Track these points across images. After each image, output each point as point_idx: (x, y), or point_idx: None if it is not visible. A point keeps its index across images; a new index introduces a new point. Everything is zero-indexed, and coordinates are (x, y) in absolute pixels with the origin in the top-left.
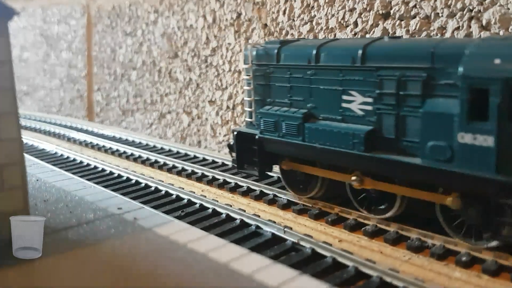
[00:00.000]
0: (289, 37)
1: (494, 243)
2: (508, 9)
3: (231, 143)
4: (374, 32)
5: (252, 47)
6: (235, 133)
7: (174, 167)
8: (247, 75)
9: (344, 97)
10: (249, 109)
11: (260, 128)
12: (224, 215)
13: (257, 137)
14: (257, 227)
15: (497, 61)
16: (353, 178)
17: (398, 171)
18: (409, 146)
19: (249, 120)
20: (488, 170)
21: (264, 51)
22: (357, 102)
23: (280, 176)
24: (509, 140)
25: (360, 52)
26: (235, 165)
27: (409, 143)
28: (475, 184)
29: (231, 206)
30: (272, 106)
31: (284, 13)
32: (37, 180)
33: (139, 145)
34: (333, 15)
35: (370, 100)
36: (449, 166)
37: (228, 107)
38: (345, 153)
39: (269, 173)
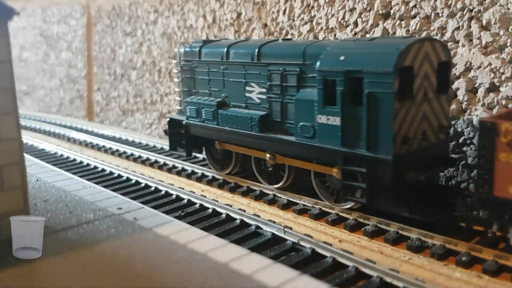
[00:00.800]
0: (289, 37)
1: (349, 205)
2: (508, 9)
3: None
4: (374, 32)
5: (181, 46)
6: (168, 119)
7: (174, 167)
8: (177, 69)
9: (247, 88)
10: (178, 99)
11: (186, 115)
12: (224, 215)
13: (184, 122)
14: (257, 227)
15: (342, 57)
16: (268, 155)
17: (283, 148)
18: (289, 127)
19: (179, 108)
20: (336, 144)
21: (189, 49)
22: (255, 92)
23: (205, 156)
24: (349, 120)
25: (256, 51)
26: (170, 147)
27: (289, 124)
28: (329, 155)
29: (231, 206)
30: (196, 95)
31: (284, 13)
32: (37, 180)
33: (139, 145)
34: (333, 15)
35: (264, 90)
36: (312, 141)
37: None
38: (247, 133)
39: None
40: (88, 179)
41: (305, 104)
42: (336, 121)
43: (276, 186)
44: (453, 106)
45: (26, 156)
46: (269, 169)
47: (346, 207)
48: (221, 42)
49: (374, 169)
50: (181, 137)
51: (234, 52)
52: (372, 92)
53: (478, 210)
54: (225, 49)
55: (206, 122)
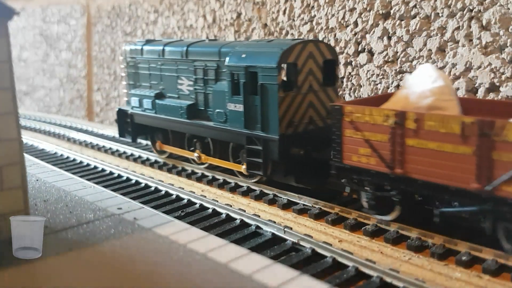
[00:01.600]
0: (289, 37)
1: (255, 179)
2: (508, 9)
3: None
4: (374, 32)
5: (127, 44)
6: (117, 110)
7: (174, 167)
8: (123, 65)
9: (178, 81)
10: (125, 91)
11: (131, 105)
12: (224, 215)
13: (129, 112)
14: (257, 227)
15: (243, 55)
16: (195, 155)
17: (207, 132)
18: (209, 114)
19: (126, 99)
20: (241, 127)
21: (134, 47)
22: (185, 85)
23: (149, 142)
24: (249, 106)
25: (185, 49)
26: (119, 134)
27: (210, 111)
28: (237, 136)
29: (231, 206)
30: (139, 88)
31: (284, 13)
32: (37, 180)
33: (139, 145)
34: (333, 15)
35: (191, 83)
36: (225, 125)
37: None
38: (178, 120)
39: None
40: (88, 179)
41: (220, 94)
42: (240, 108)
43: (204, 166)
44: None
45: (26, 156)
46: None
47: (252, 181)
48: (159, 41)
49: (267, 147)
50: (127, 125)
51: (169, 50)
52: (263, 83)
53: (337, 176)
54: (162, 47)
55: (147, 111)
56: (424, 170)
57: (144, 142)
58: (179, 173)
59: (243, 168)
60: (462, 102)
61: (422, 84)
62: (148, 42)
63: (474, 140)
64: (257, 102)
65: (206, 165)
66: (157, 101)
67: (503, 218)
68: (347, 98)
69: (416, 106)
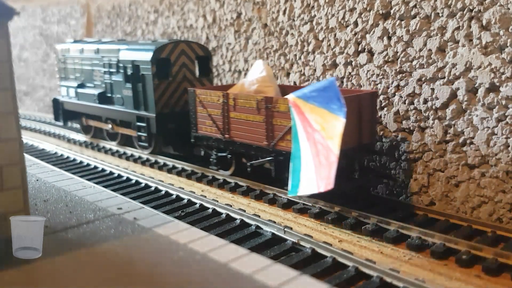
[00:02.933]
0: (289, 37)
1: (148, 150)
2: (508, 9)
3: None
4: (374, 32)
5: (58, 44)
6: (52, 99)
7: (174, 167)
8: (56, 61)
9: (93, 73)
10: (58, 83)
11: (62, 95)
12: (224, 215)
13: (60, 100)
14: (257, 227)
15: (131, 52)
16: (108, 125)
17: (112, 113)
18: (113, 99)
19: (59, 90)
20: (131, 108)
21: (63, 46)
22: (98, 76)
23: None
24: (136, 92)
25: (97, 47)
26: (54, 119)
27: (113, 97)
28: (131, 116)
29: (231, 206)
30: (67, 80)
31: (284, 13)
32: (37, 180)
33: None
34: (333, 15)
35: (101, 74)
36: (122, 108)
37: None
38: (93, 105)
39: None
40: (88, 179)
41: (118, 83)
42: (130, 93)
43: (116, 142)
44: (454, 106)
45: (27, 156)
46: (111, 131)
47: (146, 152)
48: (82, 41)
49: (148, 123)
50: (60, 111)
51: (87, 48)
52: (143, 74)
53: (195, 144)
54: (82, 46)
55: (72, 99)
56: (240, 134)
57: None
58: (179, 173)
59: (137, 133)
60: (281, 87)
61: (253, 75)
62: (74, 42)
63: (263, 111)
64: (140, 88)
65: (117, 140)
66: (78, 90)
67: (278, 163)
68: None
69: (248, 91)
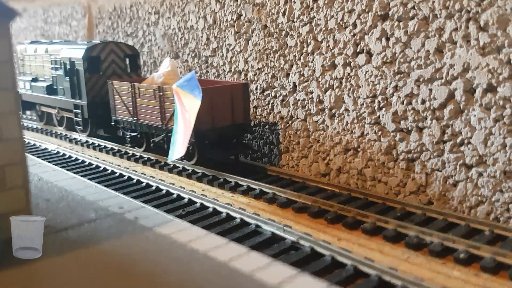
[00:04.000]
0: (288, 38)
1: (85, 134)
2: (506, 10)
3: None
4: (372, 33)
5: (18, 44)
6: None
7: (175, 166)
8: (16, 59)
9: (44, 70)
10: (18, 78)
11: (20, 88)
12: (224, 214)
13: (19, 92)
14: (257, 226)
15: (69, 51)
16: (56, 111)
17: (57, 102)
18: (57, 90)
19: (18, 84)
20: (69, 97)
21: (22, 46)
22: (47, 71)
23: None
24: (73, 84)
25: (47, 47)
26: None
27: (57, 89)
28: (70, 104)
29: (231, 205)
30: (25, 75)
31: (283, 14)
32: (39, 179)
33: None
34: (332, 16)
35: (50, 70)
36: (64, 97)
37: None
38: (43, 96)
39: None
40: (90, 179)
41: (60, 77)
42: (68, 85)
43: (63, 127)
44: (451, 107)
45: (29, 156)
46: (58, 118)
47: (83, 135)
48: (37, 42)
49: (82, 109)
50: (20, 102)
51: (39, 48)
52: (77, 68)
53: (115, 126)
54: (35, 46)
55: (28, 91)
56: (144, 117)
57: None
58: (179, 173)
59: (74, 118)
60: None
61: (161, 70)
62: (30, 43)
63: (158, 98)
64: (75, 80)
65: (64, 126)
66: (32, 83)
67: (168, 139)
68: (346, 98)
69: (156, 82)
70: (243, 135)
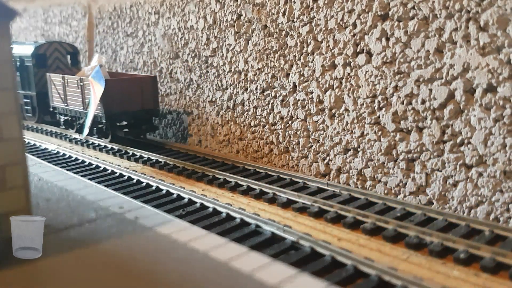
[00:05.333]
0: (288, 38)
1: (35, 119)
2: (506, 10)
3: None
4: (372, 33)
5: None
6: None
7: (175, 166)
8: None
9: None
10: None
11: None
12: (224, 214)
13: None
14: (257, 226)
15: (21, 50)
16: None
17: (27, 98)
18: (25, 85)
19: None
20: (21, 89)
21: None
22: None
23: None
24: (24, 77)
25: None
26: None
27: (25, 85)
28: (23, 95)
29: (231, 205)
30: None
31: (283, 14)
32: (39, 179)
33: (139, 145)
34: (332, 16)
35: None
36: (20, 90)
37: (228, 107)
38: None
39: None
40: (90, 179)
41: (18, 72)
42: (19, 78)
43: (34, 120)
44: (451, 107)
45: (29, 156)
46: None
47: (33, 121)
48: None
49: (32, 99)
50: None
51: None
52: (27, 64)
53: (53, 112)
54: None
55: None
56: (72, 103)
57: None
58: (179, 173)
59: (25, 107)
60: (110, 74)
61: (91, 64)
62: None
63: (80, 87)
64: (25, 75)
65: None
66: None
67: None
68: (346, 98)
69: (86, 75)
70: (151, 118)
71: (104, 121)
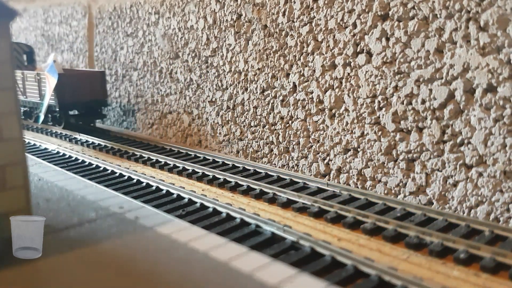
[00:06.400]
0: (288, 38)
1: None
2: (506, 10)
3: None
4: (372, 33)
5: None
6: None
7: (175, 166)
8: None
9: None
10: None
11: None
12: (224, 214)
13: None
14: (257, 226)
15: None
16: None
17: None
18: None
19: None
20: None
21: None
22: None
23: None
24: None
25: None
26: None
27: None
28: None
29: (231, 205)
30: None
31: (283, 14)
32: (39, 179)
33: (140, 145)
34: (332, 16)
35: None
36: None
37: (228, 107)
38: None
39: None
40: (90, 179)
41: None
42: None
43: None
44: (451, 107)
45: (29, 156)
46: None
47: None
48: None
49: None
50: None
51: None
52: None
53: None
54: None
55: None
56: (31, 95)
57: (144, 142)
58: (179, 173)
59: None
60: (65, 70)
61: (48, 61)
62: None
63: (38, 81)
64: None
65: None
66: None
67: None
68: (346, 98)
69: (42, 71)
70: (100, 108)
71: (57, 109)
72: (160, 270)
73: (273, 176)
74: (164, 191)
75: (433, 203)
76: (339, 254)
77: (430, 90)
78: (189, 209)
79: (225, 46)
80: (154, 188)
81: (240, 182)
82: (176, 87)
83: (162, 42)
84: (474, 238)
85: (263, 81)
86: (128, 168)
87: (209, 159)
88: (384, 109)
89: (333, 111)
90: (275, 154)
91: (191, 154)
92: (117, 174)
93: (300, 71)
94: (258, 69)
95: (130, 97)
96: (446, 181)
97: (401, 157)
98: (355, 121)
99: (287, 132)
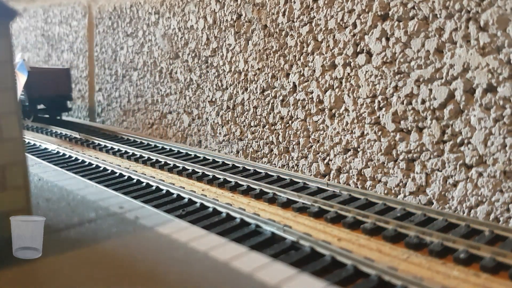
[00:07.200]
0: (288, 38)
1: None
2: (506, 10)
3: None
4: (372, 33)
5: None
6: None
7: (175, 166)
8: None
9: None
10: None
11: None
12: (224, 214)
13: None
14: (257, 226)
15: None
16: None
17: None
18: None
19: None
20: None
21: None
22: None
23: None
24: None
25: None
26: None
27: None
28: None
29: (231, 205)
30: None
31: (283, 14)
32: (39, 179)
33: (140, 145)
34: (332, 16)
35: None
36: None
37: (228, 107)
38: None
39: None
40: (90, 179)
41: None
42: None
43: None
44: (451, 107)
45: (29, 156)
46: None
47: None
48: None
49: None
50: None
51: None
52: None
53: None
54: None
55: None
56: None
57: (145, 142)
58: (179, 173)
59: None
60: (32, 68)
61: (16, 60)
62: None
63: (16, 76)
64: None
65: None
66: None
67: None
68: (346, 98)
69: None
70: (65, 102)
71: (27, 104)
72: (160, 270)
73: (273, 176)
74: (164, 191)
75: (433, 203)
76: (339, 254)
77: (430, 90)
78: (189, 209)
79: (225, 46)
80: (154, 188)
81: (240, 182)
82: (176, 87)
83: (162, 42)
84: (474, 238)
85: (263, 81)
86: (128, 168)
87: (209, 159)
88: (384, 109)
89: (333, 111)
90: (275, 154)
91: (191, 154)
92: (117, 174)
93: (300, 71)
94: (258, 69)
95: (130, 97)
96: (446, 181)
97: (401, 157)
98: (355, 121)
99: (287, 132)
